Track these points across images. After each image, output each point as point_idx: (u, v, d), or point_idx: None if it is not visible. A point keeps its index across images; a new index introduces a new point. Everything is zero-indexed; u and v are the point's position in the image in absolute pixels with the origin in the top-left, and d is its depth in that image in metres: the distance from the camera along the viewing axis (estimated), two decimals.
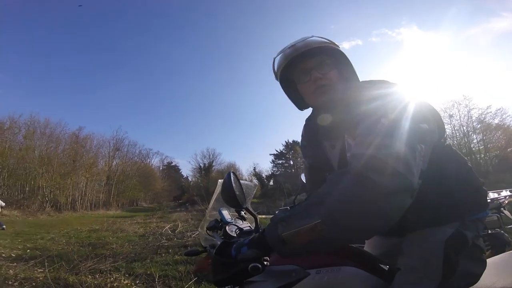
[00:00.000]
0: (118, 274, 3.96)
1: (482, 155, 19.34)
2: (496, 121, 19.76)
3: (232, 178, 1.04)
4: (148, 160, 41.96)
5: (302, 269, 0.89)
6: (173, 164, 50.10)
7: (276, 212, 0.82)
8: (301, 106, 1.11)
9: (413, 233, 0.92)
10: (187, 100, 63.34)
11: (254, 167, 39.27)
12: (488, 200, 2.76)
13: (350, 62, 0.99)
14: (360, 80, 1.02)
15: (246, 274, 0.79)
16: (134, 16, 58.19)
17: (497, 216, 2.58)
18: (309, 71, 0.95)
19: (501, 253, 1.12)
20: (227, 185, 1.01)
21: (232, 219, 1.18)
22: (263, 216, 8.71)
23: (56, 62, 50.73)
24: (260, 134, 61.98)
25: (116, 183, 31.88)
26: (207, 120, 65.20)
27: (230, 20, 63.39)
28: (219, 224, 1.15)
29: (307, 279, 0.87)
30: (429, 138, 0.79)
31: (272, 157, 39.35)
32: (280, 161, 39.12)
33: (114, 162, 34.05)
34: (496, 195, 2.80)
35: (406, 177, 0.64)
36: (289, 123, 57.92)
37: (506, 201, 2.78)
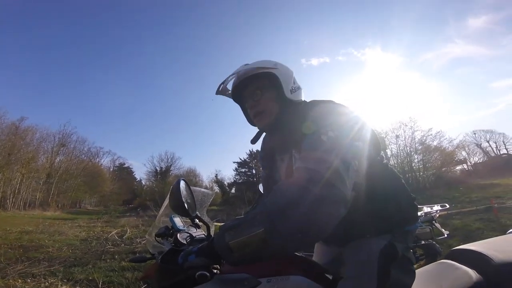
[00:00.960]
0: (54, 279, 3.60)
1: (421, 173, 21.45)
2: (435, 143, 22.23)
3: (181, 185, 1.01)
4: (98, 159, 38.93)
5: (253, 277, 0.91)
6: (125, 165, 46.91)
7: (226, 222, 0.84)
8: (253, 123, 1.15)
9: (352, 243, 0.99)
10: (148, 100, 60.65)
11: (216, 174, 38.59)
12: (422, 214, 3.10)
13: (281, 84, 1.01)
14: (306, 99, 1.10)
15: (193, 282, 0.79)
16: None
17: (430, 228, 2.89)
18: (245, 99, 1.07)
19: (433, 262, 1.22)
20: (175, 192, 0.98)
21: (184, 227, 1.16)
22: (222, 223, 8.62)
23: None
24: (224, 142, 61.47)
25: (58, 182, 28.83)
26: (168, 123, 62.89)
27: (199, 25, 62.99)
28: (170, 231, 1.12)
29: None
30: (364, 155, 0.87)
31: (235, 165, 39.15)
32: (243, 170, 38.94)
33: (58, 159, 30.88)
34: (429, 209, 3.14)
35: (339, 188, 0.72)
36: (253, 132, 58.47)
37: (437, 215, 3.14)
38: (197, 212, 1.13)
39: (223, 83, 1.09)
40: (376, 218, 0.96)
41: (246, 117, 1.14)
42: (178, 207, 0.99)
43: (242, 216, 0.82)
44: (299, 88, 1.08)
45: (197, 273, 0.78)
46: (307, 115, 0.92)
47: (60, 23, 52.42)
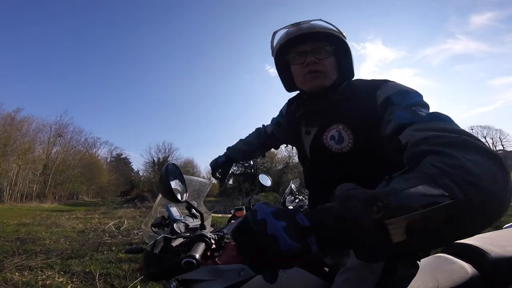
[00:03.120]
0: (51, 272, 3.59)
1: None
2: None
3: (170, 170, 0.98)
4: (95, 150, 38.90)
5: (250, 268, 0.91)
6: (123, 156, 46.90)
7: (254, 205, 0.67)
8: (289, 88, 1.06)
9: None
10: (146, 90, 60.12)
11: None
12: None
13: (351, 55, 0.95)
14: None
15: (179, 269, 0.76)
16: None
17: None
18: (305, 53, 0.91)
19: (427, 256, 1.21)
20: (163, 177, 0.94)
21: (181, 217, 1.14)
22: (220, 215, 8.63)
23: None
24: (222, 132, 61.38)
25: (54, 173, 28.75)
26: (166, 113, 62.55)
27: (197, 19, 62.02)
28: (166, 221, 1.10)
29: (255, 279, 0.89)
30: None
31: None
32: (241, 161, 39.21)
33: (54, 150, 30.82)
34: None
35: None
36: (252, 124, 58.53)
37: None
38: (191, 200, 1.11)
39: (281, 29, 0.96)
40: None
41: (282, 77, 1.03)
42: (166, 192, 0.95)
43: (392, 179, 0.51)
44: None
45: (184, 260, 0.75)
46: (368, 89, 0.85)
47: (58, 14, 51.35)
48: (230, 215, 1.44)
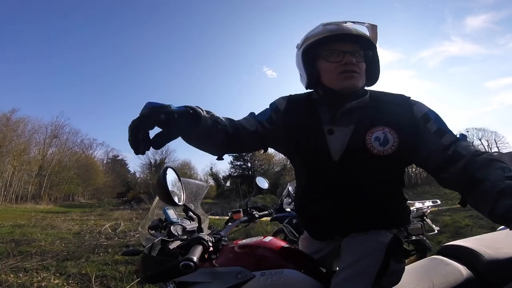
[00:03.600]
0: (46, 273, 3.57)
1: (413, 169, 21.69)
2: None
3: (168, 173, 0.98)
4: (91, 151, 38.57)
5: (247, 271, 0.91)
6: (119, 157, 46.54)
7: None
8: (311, 84, 1.03)
9: (357, 234, 0.96)
10: (142, 91, 59.97)
11: (211, 167, 38.47)
12: (414, 209, 3.14)
13: (379, 65, 0.99)
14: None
15: (177, 272, 0.76)
16: None
17: (421, 224, 2.93)
18: (343, 53, 0.91)
19: (423, 258, 1.23)
20: (161, 181, 0.95)
21: (178, 219, 1.14)
22: (217, 217, 8.59)
23: None
24: None
25: (50, 175, 28.51)
26: None
27: (197, 21, 62.11)
28: (163, 224, 1.11)
29: (252, 281, 0.90)
30: None
31: (230, 158, 39.06)
32: (238, 163, 38.89)
33: (50, 151, 30.51)
34: (421, 205, 3.18)
35: None
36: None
37: (429, 211, 3.19)
38: (189, 203, 1.11)
39: (328, 24, 0.96)
40: (389, 212, 0.97)
41: (308, 72, 0.99)
42: (163, 196, 0.95)
43: None
44: None
45: (182, 263, 0.75)
46: (399, 99, 0.96)
47: (54, 15, 51.17)
48: (227, 218, 1.45)
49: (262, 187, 1.67)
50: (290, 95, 1.11)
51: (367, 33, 0.98)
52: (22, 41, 49.81)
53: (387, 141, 0.88)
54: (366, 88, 1.01)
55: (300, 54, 1.00)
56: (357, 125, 0.93)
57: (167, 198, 0.96)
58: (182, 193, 1.07)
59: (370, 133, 0.90)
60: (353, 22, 0.96)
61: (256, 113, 1.10)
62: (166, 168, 1.01)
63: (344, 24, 0.95)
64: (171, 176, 1.01)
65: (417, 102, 0.95)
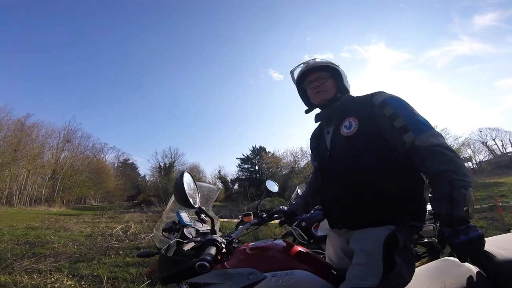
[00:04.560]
0: (59, 275, 3.65)
1: None
2: None
3: (185, 177, 1.03)
4: (102, 155, 39.35)
5: (258, 272, 0.92)
6: (130, 161, 47.42)
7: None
8: (308, 105, 1.43)
9: (357, 232, 1.09)
10: (153, 96, 60.87)
11: (219, 170, 38.70)
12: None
13: (342, 77, 1.33)
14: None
15: (193, 272, 0.79)
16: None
17: (433, 226, 2.88)
18: (313, 81, 1.33)
19: (435, 260, 1.23)
20: (179, 184, 1.00)
21: (191, 222, 1.18)
22: (225, 219, 8.62)
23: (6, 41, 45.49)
24: (227, 137, 61.62)
25: (63, 178, 29.18)
26: (173, 119, 63.14)
27: (201, 23, 62.82)
28: (176, 226, 1.14)
29: (263, 282, 0.91)
30: None
31: (238, 161, 39.21)
32: (246, 166, 39.06)
33: (63, 155, 31.26)
34: None
35: None
36: (256, 129, 58.60)
37: None
38: (201, 206, 1.14)
39: (296, 67, 1.41)
40: (381, 207, 1.05)
41: (302, 96, 1.44)
42: (181, 199, 1.00)
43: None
44: (349, 85, 1.37)
45: (197, 263, 0.77)
46: (358, 96, 1.28)
47: (66, 20, 52.59)
48: (235, 220, 1.46)
49: (272, 191, 1.68)
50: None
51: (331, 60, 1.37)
52: (33, 48, 51.28)
53: (351, 126, 1.17)
54: (345, 95, 1.33)
55: (296, 89, 1.44)
56: (336, 122, 1.26)
57: (185, 200, 1.00)
58: (197, 196, 1.11)
59: (342, 124, 1.21)
60: (314, 59, 1.38)
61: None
62: (183, 172, 1.05)
63: (310, 61, 1.37)
64: (187, 179, 1.05)
65: (380, 93, 1.18)
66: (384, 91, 1.20)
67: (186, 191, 1.00)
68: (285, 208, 1.57)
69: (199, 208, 1.10)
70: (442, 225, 0.90)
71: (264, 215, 1.47)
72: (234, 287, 0.92)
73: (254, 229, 1.52)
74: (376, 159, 1.09)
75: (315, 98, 1.33)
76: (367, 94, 1.24)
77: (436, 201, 0.94)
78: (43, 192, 26.36)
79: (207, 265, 0.78)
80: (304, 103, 1.45)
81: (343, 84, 1.33)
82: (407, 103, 1.11)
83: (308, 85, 1.36)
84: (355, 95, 1.33)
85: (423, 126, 1.02)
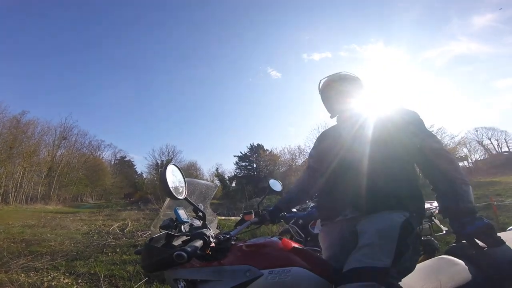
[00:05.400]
0: (56, 273, 3.65)
1: None
2: None
3: (169, 170, 1.03)
4: (99, 152, 39.05)
5: (256, 269, 0.93)
6: (126, 159, 47.05)
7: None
8: (330, 114, 1.52)
9: (372, 214, 1.11)
10: (150, 93, 60.54)
11: (217, 168, 38.60)
12: None
13: (362, 88, 1.44)
14: None
15: (171, 261, 0.79)
16: None
17: (429, 224, 2.91)
18: (337, 91, 1.43)
19: (431, 258, 1.24)
20: (163, 177, 1.00)
21: (188, 219, 1.18)
22: (223, 217, 8.62)
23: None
24: (225, 135, 61.48)
25: (59, 176, 28.97)
26: (170, 116, 62.85)
27: (198, 21, 62.47)
28: (174, 223, 1.15)
29: (260, 279, 0.91)
30: None
31: (236, 159, 39.16)
32: (243, 163, 38.99)
33: (59, 152, 30.99)
34: (429, 205, 3.13)
35: None
36: (254, 127, 58.54)
37: (437, 211, 3.14)
38: (189, 198, 1.13)
39: (323, 79, 1.52)
40: (400, 194, 1.13)
41: (326, 104, 1.52)
42: (165, 191, 1.00)
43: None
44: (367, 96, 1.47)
45: (175, 253, 0.77)
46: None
47: (63, 18, 52.07)
48: (232, 218, 1.47)
49: (276, 190, 1.67)
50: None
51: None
52: (29, 45, 50.77)
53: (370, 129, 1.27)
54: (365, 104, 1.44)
55: (320, 98, 1.54)
56: (357, 126, 1.36)
57: (168, 192, 1.00)
58: (184, 188, 1.10)
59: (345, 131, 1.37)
60: (337, 73, 1.50)
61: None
62: (167, 164, 1.05)
63: (334, 75, 1.48)
64: (174, 172, 1.05)
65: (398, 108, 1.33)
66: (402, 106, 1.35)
67: (172, 184, 1.01)
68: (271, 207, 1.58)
69: (186, 200, 1.10)
70: (451, 218, 1.05)
71: (265, 214, 1.49)
72: (231, 284, 0.93)
73: (256, 228, 1.52)
74: (391, 158, 1.19)
75: (339, 106, 1.45)
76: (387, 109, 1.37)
77: (442, 197, 1.10)
78: (39, 190, 26.14)
79: (185, 255, 0.77)
80: (327, 109, 1.55)
81: (362, 94, 1.45)
82: (420, 118, 1.27)
83: (331, 94, 1.47)
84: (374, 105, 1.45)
85: (432, 136, 1.22)
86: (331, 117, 1.53)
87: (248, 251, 1.03)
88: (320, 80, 1.53)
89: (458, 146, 23.87)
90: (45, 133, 29.33)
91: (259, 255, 0.99)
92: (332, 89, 1.46)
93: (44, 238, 6.49)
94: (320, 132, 1.64)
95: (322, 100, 1.55)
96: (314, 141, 1.62)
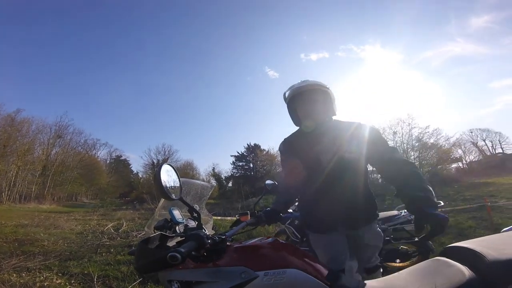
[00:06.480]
0: (49, 273, 3.59)
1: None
2: (432, 140, 22.06)
3: (164, 169, 1.03)
4: (94, 151, 38.74)
5: (251, 270, 0.92)
6: (122, 158, 46.70)
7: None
8: (296, 123, 1.60)
9: (365, 226, 1.48)
10: (146, 93, 60.25)
11: (213, 167, 38.48)
12: None
13: (331, 99, 1.50)
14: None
15: (164, 262, 0.78)
16: None
17: (405, 230, 2.97)
18: (301, 103, 1.49)
19: (425, 260, 1.24)
20: (157, 176, 1.00)
21: (183, 219, 1.17)
22: (219, 217, 8.60)
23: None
24: (222, 135, 61.37)
25: (54, 174, 28.67)
26: (166, 116, 62.54)
27: (196, 22, 62.34)
28: (169, 224, 1.13)
29: (256, 281, 0.90)
30: None
31: (233, 159, 39.09)
32: (240, 163, 38.93)
33: (54, 151, 30.66)
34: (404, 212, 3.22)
35: None
36: (251, 126, 58.53)
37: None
38: (185, 199, 1.13)
39: (287, 90, 1.55)
40: (371, 207, 1.52)
41: (292, 116, 1.58)
42: (159, 191, 1.00)
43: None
44: (337, 109, 1.56)
45: (169, 254, 0.77)
46: (343, 123, 1.52)
47: (59, 16, 51.58)
48: (228, 218, 1.46)
49: (272, 190, 1.67)
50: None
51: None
52: (24, 42, 50.22)
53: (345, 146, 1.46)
54: (333, 117, 1.55)
55: (287, 106, 1.59)
56: (326, 141, 1.50)
57: (162, 192, 1.00)
58: (179, 188, 1.09)
59: (334, 144, 1.48)
60: (306, 81, 1.52)
61: None
62: (162, 164, 1.05)
63: (301, 85, 1.48)
64: (168, 172, 1.04)
65: (360, 124, 1.48)
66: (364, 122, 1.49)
67: (166, 183, 1.00)
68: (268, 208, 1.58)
69: (180, 200, 1.09)
70: (420, 204, 1.18)
71: (262, 215, 1.48)
72: (226, 285, 0.92)
73: (252, 229, 1.51)
74: (362, 174, 1.45)
75: (305, 120, 1.50)
76: (350, 122, 1.51)
77: (412, 192, 1.23)
78: (33, 189, 25.86)
79: (179, 256, 0.77)
80: (294, 122, 1.60)
81: (332, 108, 1.52)
82: (380, 132, 1.47)
83: (299, 107, 1.51)
84: (340, 120, 1.56)
85: (395, 149, 1.42)
86: (297, 125, 1.60)
87: (244, 253, 1.02)
88: (286, 91, 1.56)
89: (453, 147, 23.97)
90: (40, 131, 29.07)
91: (255, 257, 0.98)
92: (299, 99, 1.49)
93: (37, 237, 6.38)
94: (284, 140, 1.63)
95: (288, 109, 1.59)
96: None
